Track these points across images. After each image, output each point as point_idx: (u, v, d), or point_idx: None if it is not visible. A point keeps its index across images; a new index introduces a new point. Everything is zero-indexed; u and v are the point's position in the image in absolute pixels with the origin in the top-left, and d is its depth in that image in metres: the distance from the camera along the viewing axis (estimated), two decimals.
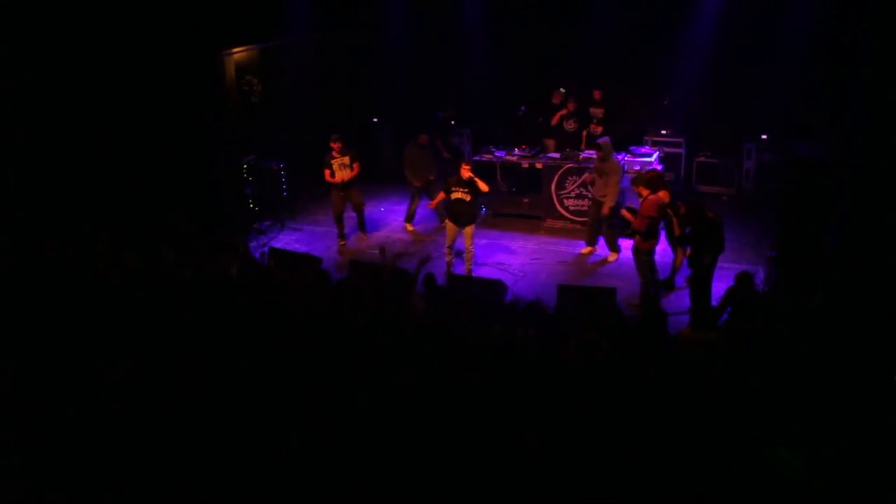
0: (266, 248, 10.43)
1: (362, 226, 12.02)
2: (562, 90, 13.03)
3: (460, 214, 10.20)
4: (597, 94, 12.92)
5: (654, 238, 9.26)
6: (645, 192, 9.19)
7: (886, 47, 9.11)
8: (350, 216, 11.96)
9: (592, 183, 10.99)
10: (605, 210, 10.67)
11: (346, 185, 11.43)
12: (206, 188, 11.52)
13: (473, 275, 10.31)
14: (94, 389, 5.19)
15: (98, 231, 8.19)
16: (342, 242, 11.76)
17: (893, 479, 4.21)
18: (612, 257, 10.93)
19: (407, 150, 12.17)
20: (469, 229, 10.28)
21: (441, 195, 10.39)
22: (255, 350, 5.48)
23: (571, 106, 12.93)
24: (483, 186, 10.18)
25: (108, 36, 10.42)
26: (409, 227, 12.36)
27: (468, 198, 10.12)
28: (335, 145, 11.27)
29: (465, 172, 10.10)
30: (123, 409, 4.97)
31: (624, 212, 9.66)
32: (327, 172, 11.33)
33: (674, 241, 9.57)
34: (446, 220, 10.54)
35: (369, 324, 5.78)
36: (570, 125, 12.98)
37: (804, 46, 11.73)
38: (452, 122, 14.19)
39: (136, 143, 10.81)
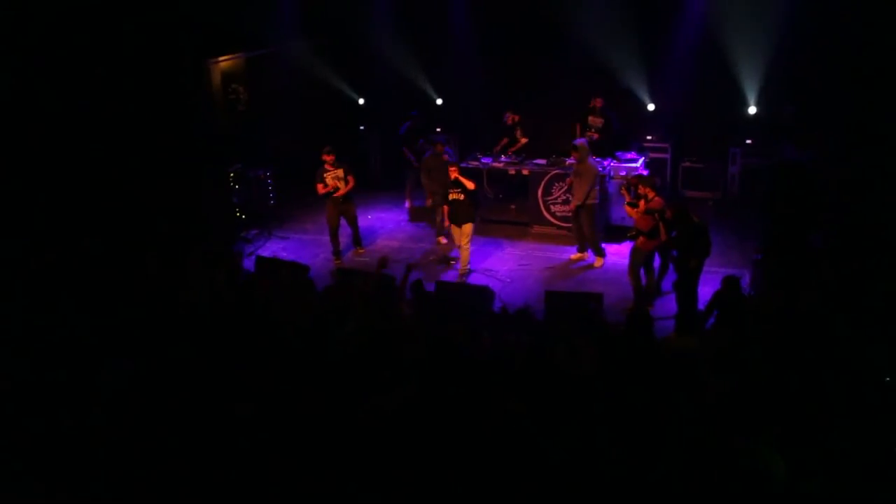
0: (253, 257, 10.41)
1: (358, 240, 11.80)
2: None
3: (457, 213, 10.52)
4: (598, 103, 12.66)
5: (656, 239, 9.30)
6: (651, 194, 9.27)
7: (871, 53, 9.21)
8: (345, 233, 11.72)
9: (571, 188, 11.01)
10: (572, 206, 10.82)
11: (342, 199, 11.24)
12: (193, 196, 11.46)
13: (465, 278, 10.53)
14: (91, 393, 5.17)
15: (86, 238, 8.17)
16: (338, 261, 11.43)
17: (882, 481, 4.23)
18: (597, 263, 10.95)
19: (426, 160, 11.89)
20: (467, 227, 10.52)
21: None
22: (242, 358, 5.46)
23: (511, 119, 12.99)
24: (469, 185, 10.43)
25: (93, 43, 10.37)
26: (443, 241, 11.99)
27: (462, 197, 10.42)
28: (329, 158, 11.04)
29: (452, 174, 10.44)
30: (115, 416, 4.95)
31: (627, 207, 9.68)
32: (320, 186, 11.09)
33: (661, 246, 9.60)
34: (448, 223, 10.77)
35: (356, 331, 5.77)
36: (517, 134, 13.05)
37: (788, 51, 11.81)
38: (438, 130, 14.17)
39: (121, 152, 10.75)
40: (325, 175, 11.09)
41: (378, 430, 4.62)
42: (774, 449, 4.19)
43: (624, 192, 9.76)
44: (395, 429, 4.64)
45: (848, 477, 4.23)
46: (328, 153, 11.08)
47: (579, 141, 10.93)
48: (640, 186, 9.40)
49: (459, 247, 10.69)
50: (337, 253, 11.51)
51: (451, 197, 10.50)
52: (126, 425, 4.86)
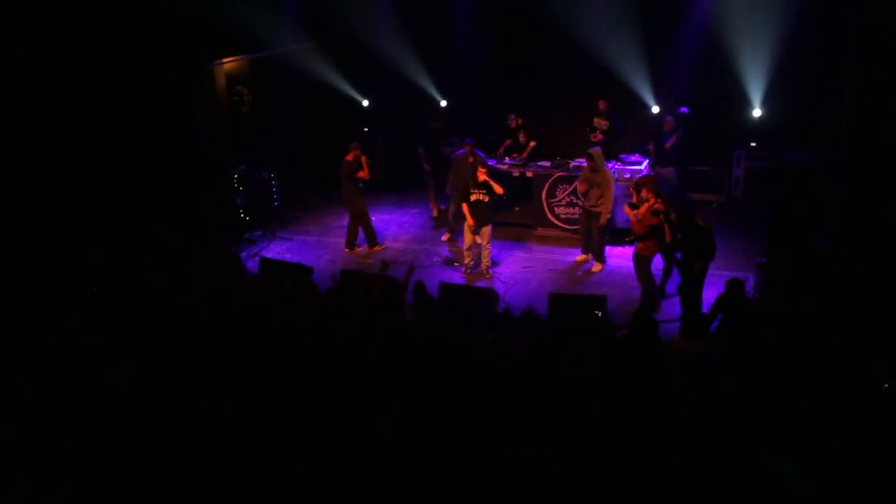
0: (257, 258, 10.42)
1: (353, 241, 12.05)
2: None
3: (478, 215, 10.51)
4: (602, 105, 12.65)
5: (652, 241, 9.27)
6: (652, 199, 9.19)
7: (873, 55, 9.18)
8: (342, 231, 12.14)
9: (585, 194, 10.92)
10: (602, 221, 10.67)
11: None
12: (197, 198, 11.48)
13: (475, 278, 10.65)
14: (93, 394, 5.18)
15: (89, 242, 8.17)
16: (379, 247, 11.91)
17: (881, 485, 4.22)
18: (595, 268, 10.87)
19: (457, 158, 11.80)
20: (486, 229, 10.58)
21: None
22: (246, 360, 5.45)
23: (514, 121, 13.01)
24: (498, 189, 10.48)
25: (97, 45, 10.40)
26: (444, 238, 12.19)
27: (486, 199, 10.44)
28: (358, 151, 11.57)
29: (481, 175, 10.41)
30: (117, 418, 4.96)
31: (626, 207, 9.65)
32: (364, 173, 11.63)
33: (665, 249, 9.59)
34: (464, 223, 10.73)
35: (359, 334, 5.76)
36: (521, 137, 13.08)
37: (792, 54, 11.79)
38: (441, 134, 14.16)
39: (126, 154, 10.77)
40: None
41: (379, 432, 4.62)
42: (779, 451, 4.18)
43: (632, 191, 9.73)
44: (396, 430, 4.63)
45: (847, 480, 4.22)
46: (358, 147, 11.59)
47: (595, 149, 10.85)
48: (644, 190, 9.35)
49: (469, 246, 10.70)
50: (375, 239, 11.96)
51: (473, 198, 10.46)
52: (128, 427, 4.86)
